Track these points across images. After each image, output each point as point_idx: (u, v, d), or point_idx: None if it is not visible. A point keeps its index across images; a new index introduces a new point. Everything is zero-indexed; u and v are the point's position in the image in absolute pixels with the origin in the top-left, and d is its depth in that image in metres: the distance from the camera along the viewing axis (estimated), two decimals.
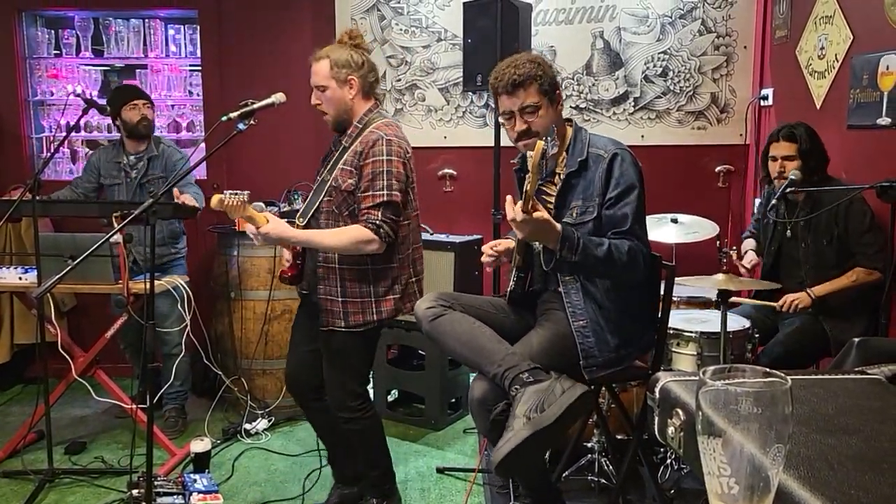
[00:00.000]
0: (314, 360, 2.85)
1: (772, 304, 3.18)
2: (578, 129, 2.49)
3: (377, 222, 2.59)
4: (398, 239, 2.70)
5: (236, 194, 2.45)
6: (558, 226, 2.20)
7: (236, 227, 3.85)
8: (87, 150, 4.85)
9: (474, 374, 2.39)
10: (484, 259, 2.55)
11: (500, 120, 2.50)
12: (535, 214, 2.11)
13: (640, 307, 2.52)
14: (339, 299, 2.69)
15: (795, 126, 3.20)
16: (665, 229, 3.75)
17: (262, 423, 3.88)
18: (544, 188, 2.48)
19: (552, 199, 2.42)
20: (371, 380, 2.90)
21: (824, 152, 3.19)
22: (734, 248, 3.43)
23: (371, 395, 4.14)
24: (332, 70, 2.69)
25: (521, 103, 2.38)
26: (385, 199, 2.60)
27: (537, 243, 2.36)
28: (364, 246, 2.59)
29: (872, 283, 3.02)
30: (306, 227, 2.73)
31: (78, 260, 2.35)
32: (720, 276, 2.89)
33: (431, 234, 4.09)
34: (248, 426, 3.84)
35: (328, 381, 2.82)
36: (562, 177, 2.42)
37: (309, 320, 2.85)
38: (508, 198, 2.19)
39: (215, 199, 2.43)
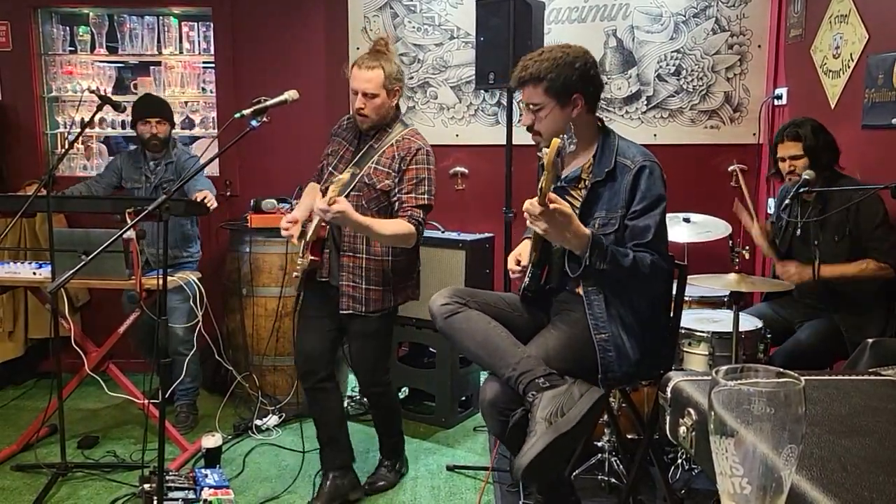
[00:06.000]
0: (328, 337, 3.07)
1: (777, 281, 3.11)
2: (607, 134, 2.43)
3: (420, 220, 2.89)
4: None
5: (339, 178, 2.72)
6: (587, 230, 2.17)
7: (248, 224, 3.91)
8: (108, 141, 4.89)
9: (485, 374, 2.39)
10: (513, 277, 2.53)
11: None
12: (552, 206, 2.08)
13: (662, 321, 2.51)
14: (363, 286, 2.95)
15: (800, 124, 3.14)
16: (677, 228, 3.73)
17: (272, 420, 3.90)
18: (571, 192, 2.42)
19: (577, 207, 2.37)
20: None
21: (833, 146, 3.13)
22: (746, 247, 3.41)
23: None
24: (386, 80, 2.90)
25: (526, 99, 2.39)
26: (426, 202, 2.93)
27: (558, 244, 2.34)
28: (407, 239, 2.89)
29: (882, 276, 2.99)
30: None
31: (91, 255, 2.37)
32: (732, 276, 2.87)
33: (443, 232, 4.09)
34: (258, 422, 3.86)
35: (360, 361, 3.10)
36: (587, 184, 2.37)
37: (322, 303, 3.04)
38: (528, 200, 2.16)
39: (337, 188, 2.67)
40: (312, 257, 2.97)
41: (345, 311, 2.96)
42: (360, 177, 2.91)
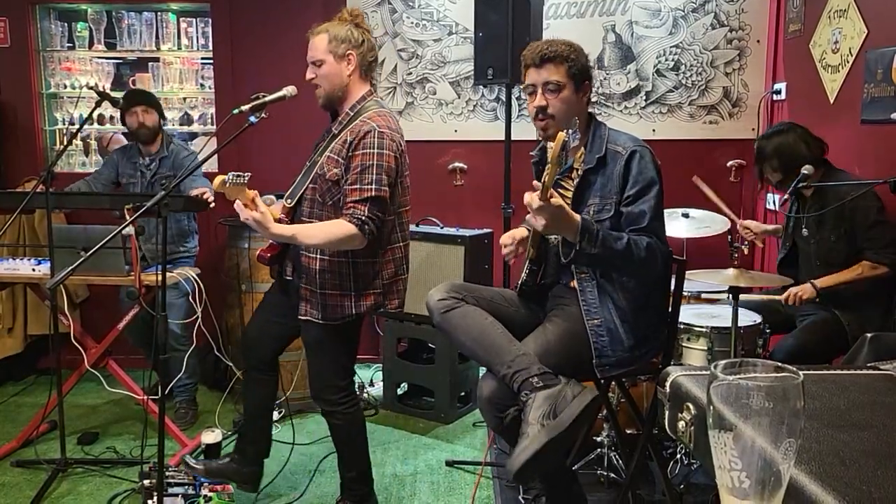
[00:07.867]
0: (278, 333, 2.87)
1: (777, 297, 3.14)
2: (598, 124, 2.46)
3: (363, 217, 2.49)
4: (382, 235, 2.63)
5: (239, 176, 2.32)
6: (577, 216, 2.18)
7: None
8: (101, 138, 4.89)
9: (483, 371, 2.39)
10: (504, 252, 2.55)
11: (524, 95, 2.46)
12: (553, 201, 2.09)
13: (656, 307, 2.50)
14: (318, 290, 2.62)
15: (761, 138, 3.30)
16: (676, 224, 3.74)
17: None
18: (562, 183, 2.45)
19: (569, 195, 2.39)
20: (355, 371, 2.88)
21: (800, 147, 3.10)
22: (745, 243, 3.42)
23: (375, 391, 4.21)
24: (331, 44, 2.64)
25: (545, 78, 2.35)
26: (372, 193, 2.51)
27: (554, 237, 2.35)
28: (347, 242, 2.51)
29: (877, 277, 2.98)
30: (293, 208, 2.71)
31: (90, 252, 2.36)
32: (731, 271, 2.88)
33: (442, 228, 4.09)
34: None
35: (309, 369, 2.81)
36: (579, 172, 2.39)
37: (284, 297, 2.82)
38: (528, 192, 2.17)
39: (218, 180, 2.32)
40: (261, 251, 2.75)
41: (302, 318, 2.67)
42: (315, 167, 2.67)
